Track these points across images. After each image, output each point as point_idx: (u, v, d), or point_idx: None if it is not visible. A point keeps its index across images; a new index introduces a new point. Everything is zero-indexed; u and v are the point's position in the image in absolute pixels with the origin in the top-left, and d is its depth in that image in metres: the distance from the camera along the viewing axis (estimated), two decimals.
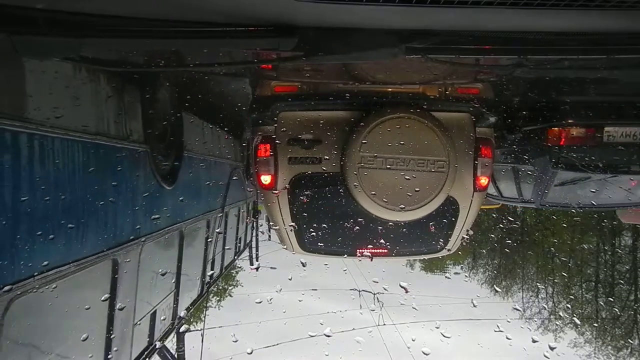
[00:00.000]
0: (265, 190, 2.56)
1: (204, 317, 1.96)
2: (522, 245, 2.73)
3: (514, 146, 3.60)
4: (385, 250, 2.34)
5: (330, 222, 2.39)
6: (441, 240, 2.53)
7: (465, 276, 2.43)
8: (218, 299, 2.37)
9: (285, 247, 2.46)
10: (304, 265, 2.05)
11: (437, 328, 1.73)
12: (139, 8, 1.62)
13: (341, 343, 1.68)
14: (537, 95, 3.35)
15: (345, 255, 2.28)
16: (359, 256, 2.30)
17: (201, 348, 1.73)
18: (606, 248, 3.31)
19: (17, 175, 1.42)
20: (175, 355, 1.80)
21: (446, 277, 2.23)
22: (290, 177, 2.56)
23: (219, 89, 3.12)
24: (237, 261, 2.59)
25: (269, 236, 2.69)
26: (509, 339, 1.71)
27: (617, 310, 2.54)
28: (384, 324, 1.89)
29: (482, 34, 1.80)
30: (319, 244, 2.35)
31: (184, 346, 1.80)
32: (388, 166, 2.44)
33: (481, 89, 2.81)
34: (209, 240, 2.55)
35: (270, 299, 1.82)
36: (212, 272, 2.42)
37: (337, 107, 2.67)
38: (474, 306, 1.90)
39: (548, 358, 1.68)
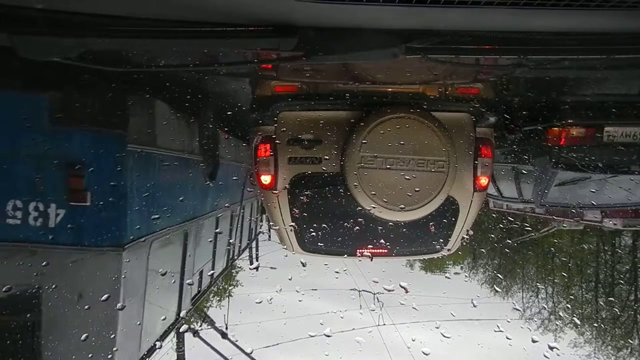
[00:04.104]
0: (265, 190, 2.56)
1: (226, 315, 2.01)
2: (522, 245, 2.72)
3: (514, 146, 3.60)
4: (385, 250, 2.33)
5: (330, 222, 2.39)
6: (441, 240, 2.53)
7: (465, 276, 2.43)
8: (218, 299, 2.37)
9: (285, 247, 2.46)
10: (304, 265, 2.05)
11: (437, 328, 1.73)
12: (139, 8, 1.62)
13: (341, 343, 1.67)
14: (537, 95, 3.35)
15: (345, 255, 2.28)
16: (359, 256, 2.30)
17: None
18: (606, 248, 3.30)
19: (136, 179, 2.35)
20: (175, 355, 1.80)
21: (446, 277, 2.23)
22: (290, 177, 2.55)
23: (231, 96, 3.27)
24: (237, 261, 2.60)
25: (269, 236, 2.70)
26: (509, 339, 1.71)
27: (617, 310, 2.54)
28: (384, 324, 1.89)
29: (482, 34, 1.80)
30: (319, 244, 2.35)
31: (184, 346, 1.80)
32: (388, 166, 2.44)
33: (481, 89, 2.81)
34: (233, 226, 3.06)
35: (270, 299, 1.82)
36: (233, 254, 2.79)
37: (337, 107, 2.67)
38: (474, 306, 1.89)
39: (548, 358, 1.68)
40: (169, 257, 2.34)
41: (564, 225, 3.13)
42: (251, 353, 1.65)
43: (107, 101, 2.59)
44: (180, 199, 2.38)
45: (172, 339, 1.89)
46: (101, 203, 2.14)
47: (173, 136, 2.93)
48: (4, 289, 1.63)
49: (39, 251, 1.90)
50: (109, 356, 1.47)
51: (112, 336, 1.57)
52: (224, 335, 1.85)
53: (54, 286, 1.68)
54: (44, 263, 1.76)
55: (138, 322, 1.80)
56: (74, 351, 1.51)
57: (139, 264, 2.01)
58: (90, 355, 1.44)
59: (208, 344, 1.86)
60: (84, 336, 1.46)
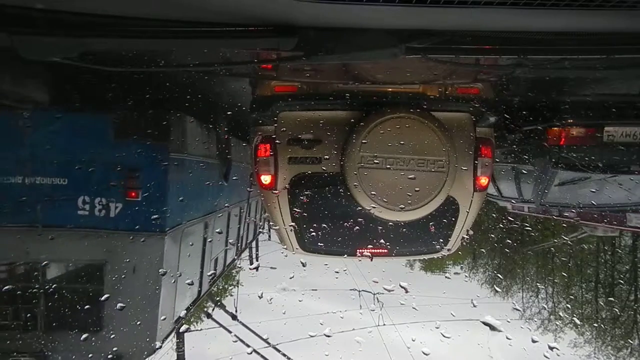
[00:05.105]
0: (265, 190, 2.56)
1: (238, 311, 2.07)
2: (522, 245, 2.73)
3: (514, 146, 3.60)
4: (385, 251, 2.33)
5: (330, 222, 2.39)
6: (441, 240, 2.53)
7: (465, 276, 2.43)
8: (218, 298, 2.38)
9: (285, 247, 2.46)
10: (304, 265, 2.05)
11: (437, 328, 1.73)
12: (139, 8, 1.62)
13: (341, 343, 1.68)
14: (537, 95, 3.35)
15: (346, 255, 2.28)
16: (359, 256, 2.30)
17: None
18: (606, 248, 3.31)
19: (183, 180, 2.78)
20: (175, 355, 1.80)
21: (446, 277, 2.23)
22: (290, 177, 2.56)
23: (231, 96, 3.34)
24: (237, 261, 2.61)
25: (269, 236, 2.70)
26: (509, 339, 1.71)
27: (617, 310, 2.54)
28: (384, 324, 1.89)
29: (482, 34, 1.80)
30: (319, 244, 2.35)
31: (184, 346, 1.81)
32: (388, 166, 2.44)
33: (481, 89, 2.81)
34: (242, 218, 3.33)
35: (270, 299, 1.82)
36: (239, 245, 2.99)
37: (337, 107, 2.67)
38: (474, 306, 1.89)
39: (548, 358, 1.68)
40: (195, 240, 2.76)
41: (598, 231, 3.13)
42: (251, 353, 1.65)
43: (107, 101, 2.60)
44: (181, 199, 2.68)
45: (172, 338, 1.89)
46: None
47: (172, 136, 2.94)
48: (76, 265, 2.22)
49: (103, 235, 2.45)
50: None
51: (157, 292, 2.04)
52: (234, 317, 1.97)
53: (114, 261, 2.16)
54: (106, 244, 2.39)
55: (175, 288, 2.17)
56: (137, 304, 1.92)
57: (176, 246, 2.51)
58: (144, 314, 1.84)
59: (221, 325, 1.92)
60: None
